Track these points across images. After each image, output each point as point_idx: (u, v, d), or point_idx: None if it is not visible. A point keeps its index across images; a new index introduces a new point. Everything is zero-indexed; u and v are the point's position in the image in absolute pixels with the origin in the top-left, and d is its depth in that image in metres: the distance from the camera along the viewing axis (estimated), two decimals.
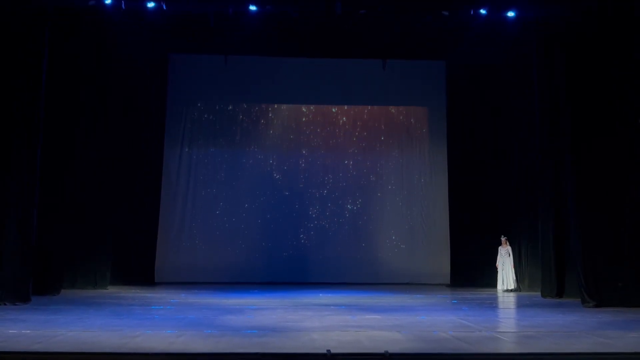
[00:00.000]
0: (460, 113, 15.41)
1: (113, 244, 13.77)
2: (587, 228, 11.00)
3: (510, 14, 12.10)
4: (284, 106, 16.42)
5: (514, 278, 13.96)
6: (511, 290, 13.78)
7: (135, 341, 6.76)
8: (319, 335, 7.30)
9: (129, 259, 14.29)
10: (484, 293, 13.52)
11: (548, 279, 12.25)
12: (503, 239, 14.11)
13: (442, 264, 15.43)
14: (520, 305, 11.39)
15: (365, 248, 16.04)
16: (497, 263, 14.10)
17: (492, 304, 11.66)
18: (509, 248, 14.06)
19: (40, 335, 6.99)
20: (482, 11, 12.06)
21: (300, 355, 6.17)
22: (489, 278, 14.33)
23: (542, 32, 12.29)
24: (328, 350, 6.11)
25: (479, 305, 11.21)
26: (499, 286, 14.03)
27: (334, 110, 16.49)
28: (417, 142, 16.43)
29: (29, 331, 7.31)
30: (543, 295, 12.29)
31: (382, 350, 6.20)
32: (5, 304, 9.86)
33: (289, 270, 15.54)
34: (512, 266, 13.97)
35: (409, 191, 16.24)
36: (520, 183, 14.16)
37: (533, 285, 13.51)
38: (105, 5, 12.00)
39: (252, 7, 12.12)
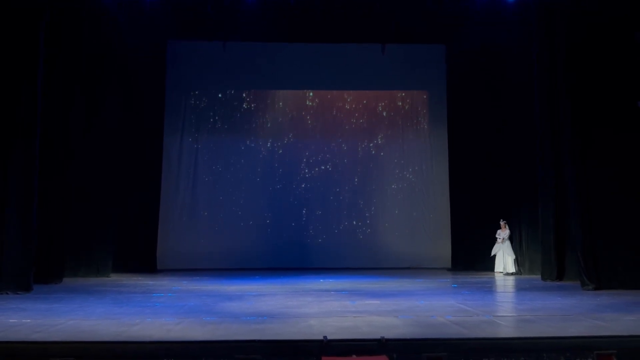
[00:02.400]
0: (461, 97, 15.32)
1: (115, 231, 13.85)
2: (586, 211, 10.97)
3: None
4: (283, 92, 16.36)
5: (515, 260, 13.98)
6: (512, 274, 13.81)
7: (134, 329, 6.81)
8: (317, 321, 7.34)
9: (131, 246, 14.33)
10: (484, 277, 13.55)
11: (548, 263, 12.25)
12: (502, 222, 14.12)
13: (443, 248, 15.45)
14: (520, 288, 11.41)
15: (366, 233, 16.08)
16: (499, 240, 14.10)
17: (492, 288, 11.70)
18: (508, 231, 14.07)
19: (40, 325, 7.05)
20: None
21: (297, 342, 6.21)
22: (490, 262, 14.36)
23: (543, 13, 12.15)
24: (324, 337, 6.15)
25: (478, 289, 11.24)
26: (498, 269, 14.05)
27: (334, 95, 16.42)
28: (418, 126, 16.39)
29: (29, 320, 7.38)
30: (543, 279, 12.30)
31: (378, 336, 6.23)
32: (7, 293, 9.93)
33: (291, 255, 15.59)
34: (512, 249, 14.00)
35: (410, 175, 16.24)
36: (522, 166, 14.09)
37: (533, 269, 13.52)
38: None
39: None
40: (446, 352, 5.99)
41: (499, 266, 14.12)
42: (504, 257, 14.04)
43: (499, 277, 13.55)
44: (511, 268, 13.93)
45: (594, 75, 11.11)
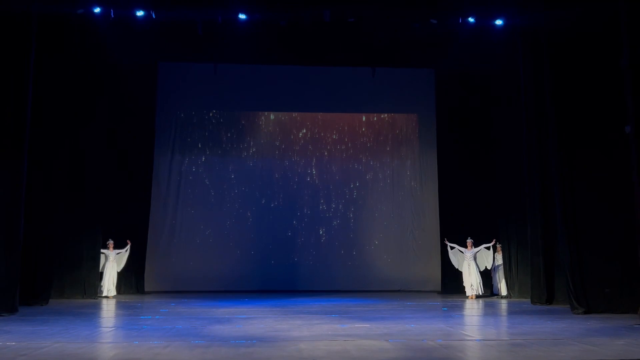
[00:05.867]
0: (450, 119, 15.49)
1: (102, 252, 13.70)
2: (574, 234, 11.01)
3: (498, 22, 12.19)
4: (273, 114, 16.45)
5: (480, 282, 13.83)
6: (481, 296, 13.69)
7: (121, 352, 6.69)
8: (307, 345, 7.26)
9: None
10: (474, 300, 13.50)
11: (537, 286, 12.25)
12: (469, 241, 13.99)
13: (433, 270, 15.45)
14: (510, 312, 11.37)
15: (356, 255, 16.05)
16: (449, 253, 14.02)
17: (482, 312, 11.65)
18: (475, 250, 13.94)
19: (24, 347, 6.91)
20: (470, 19, 12.14)
21: None
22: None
23: (529, 40, 12.36)
24: None
25: (469, 312, 11.20)
26: (467, 291, 13.76)
27: (324, 117, 16.51)
28: (407, 149, 16.50)
29: (13, 343, 7.23)
30: (533, 302, 12.28)
31: None
32: None
33: (280, 278, 15.53)
34: (478, 270, 13.85)
35: (400, 198, 16.29)
36: (510, 188, 14.17)
37: (523, 292, 13.49)
38: (94, 14, 12.01)
39: (242, 16, 12.14)
40: None
41: (467, 288, 13.83)
42: (473, 277, 13.82)
43: (467, 301, 13.28)
44: (481, 290, 13.80)
45: (580, 99, 11.25)
